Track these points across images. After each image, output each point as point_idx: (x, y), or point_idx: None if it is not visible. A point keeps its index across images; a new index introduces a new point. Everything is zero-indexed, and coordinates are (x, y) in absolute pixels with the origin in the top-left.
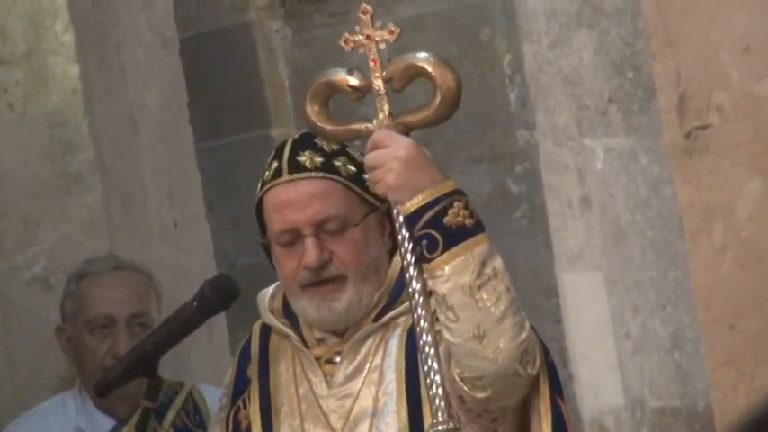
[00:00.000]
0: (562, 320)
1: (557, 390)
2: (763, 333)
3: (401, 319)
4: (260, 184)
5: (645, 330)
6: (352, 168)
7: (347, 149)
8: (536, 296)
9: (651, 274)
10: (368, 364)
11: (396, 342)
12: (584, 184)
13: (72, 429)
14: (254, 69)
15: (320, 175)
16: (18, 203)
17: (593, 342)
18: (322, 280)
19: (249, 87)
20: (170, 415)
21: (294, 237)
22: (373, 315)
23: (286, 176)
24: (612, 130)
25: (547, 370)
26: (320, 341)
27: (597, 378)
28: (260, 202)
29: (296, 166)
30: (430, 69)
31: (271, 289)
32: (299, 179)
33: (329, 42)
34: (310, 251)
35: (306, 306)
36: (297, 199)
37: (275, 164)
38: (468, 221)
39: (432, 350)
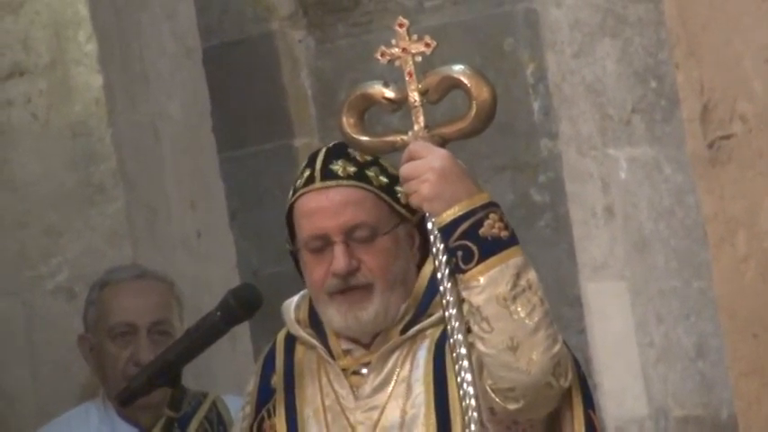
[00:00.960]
0: (585, 330)
1: (589, 404)
2: None
3: (428, 332)
4: (291, 191)
5: (668, 340)
6: (384, 179)
7: (380, 161)
8: (559, 305)
9: (675, 284)
10: (395, 376)
11: (424, 354)
12: (608, 193)
13: None
14: (276, 79)
15: (352, 183)
16: (41, 213)
17: (616, 351)
18: (349, 288)
19: (272, 97)
20: (193, 424)
21: (324, 243)
22: (400, 327)
23: (318, 183)
24: (636, 139)
25: (579, 383)
26: (347, 352)
27: (621, 387)
28: (291, 209)
29: (328, 174)
30: (466, 81)
31: (295, 299)
32: (331, 187)
33: (352, 52)
34: (339, 258)
35: (333, 314)
36: (328, 206)
37: (308, 171)
38: (504, 233)
39: (466, 362)
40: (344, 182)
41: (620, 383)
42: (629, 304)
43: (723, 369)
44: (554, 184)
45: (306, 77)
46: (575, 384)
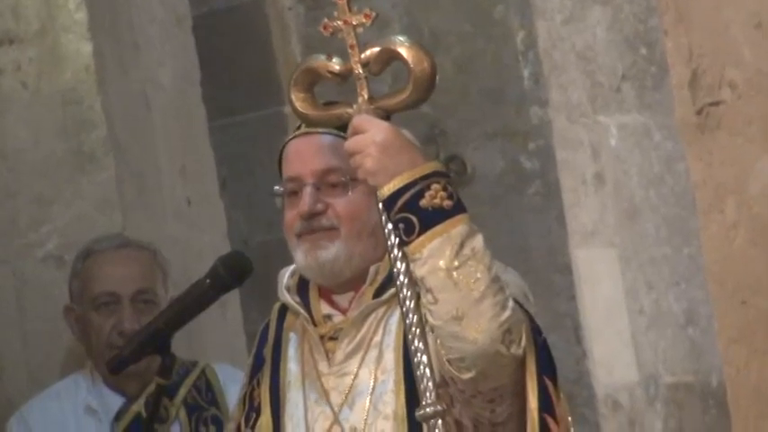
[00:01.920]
0: (576, 297)
1: (545, 369)
2: None
3: None
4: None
5: (659, 306)
6: None
7: None
8: (550, 273)
9: (665, 251)
10: (367, 342)
11: (396, 320)
12: (598, 160)
13: (83, 409)
14: (266, 46)
15: (334, 131)
16: (31, 181)
17: (607, 318)
18: (314, 229)
19: (262, 64)
20: (181, 392)
21: (298, 186)
22: (373, 290)
23: (303, 129)
24: (626, 106)
25: (535, 350)
26: (327, 318)
27: (611, 354)
28: (280, 158)
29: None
30: (403, 52)
31: (291, 267)
32: (314, 133)
33: None
34: (304, 199)
35: (298, 255)
36: (306, 149)
37: (299, 125)
38: (447, 203)
39: (417, 330)
40: (327, 129)
41: (611, 350)
42: (619, 271)
43: (713, 336)
44: (544, 151)
45: (296, 44)
46: (529, 351)
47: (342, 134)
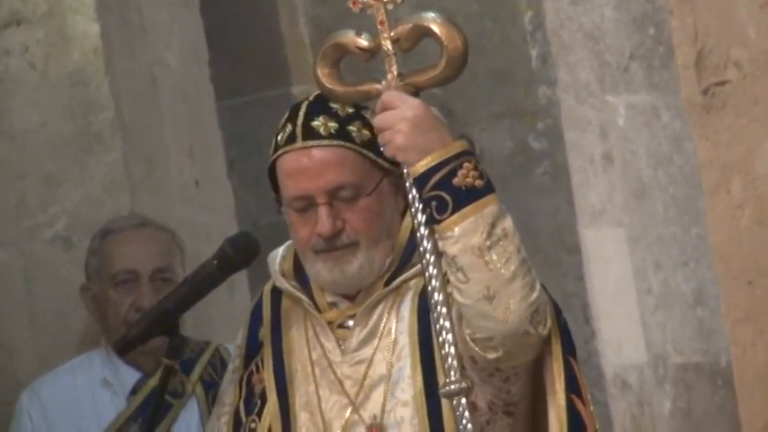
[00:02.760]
0: (584, 277)
1: (569, 350)
2: None
3: (412, 282)
4: (273, 145)
5: (667, 286)
6: (367, 133)
7: (362, 113)
8: (558, 252)
9: (673, 230)
10: (381, 329)
11: (408, 306)
12: (607, 140)
13: (98, 382)
14: (274, 27)
15: (334, 142)
16: (39, 163)
17: (615, 298)
18: (335, 248)
19: (270, 45)
20: (197, 369)
21: (307, 203)
22: (384, 279)
23: (300, 143)
24: (634, 86)
25: (559, 330)
26: (332, 305)
27: (620, 334)
28: (273, 165)
29: (310, 132)
30: (436, 29)
31: (280, 251)
32: (313, 146)
33: None
34: (323, 221)
35: (319, 270)
36: (310, 166)
37: (289, 127)
38: (478, 182)
39: (444, 309)
40: (326, 141)
41: (619, 330)
42: (628, 251)
43: (721, 316)
44: (552, 131)
45: (304, 25)
46: (554, 331)
47: (344, 143)
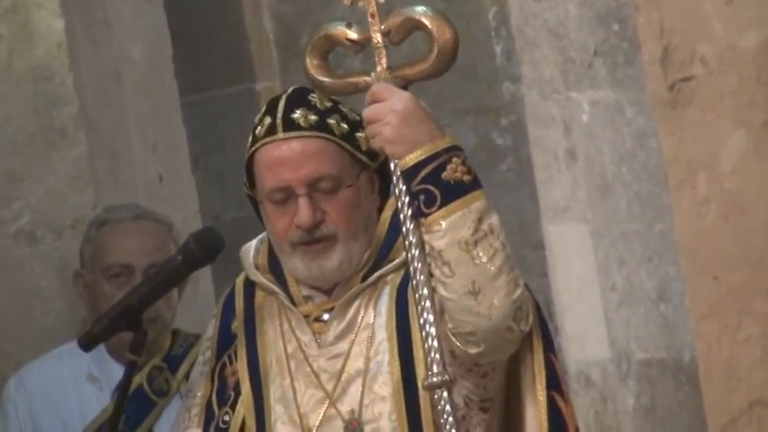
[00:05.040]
0: (548, 273)
1: (549, 346)
2: (747, 285)
3: (389, 277)
4: (251, 139)
5: (631, 283)
6: (345, 126)
7: (340, 107)
8: (522, 249)
9: (637, 227)
10: (358, 323)
11: (386, 300)
12: (570, 136)
13: (84, 376)
14: (238, 23)
15: (314, 134)
16: (3, 158)
17: (578, 294)
18: (313, 239)
19: (234, 41)
20: (184, 367)
21: (287, 195)
22: (362, 274)
23: (280, 134)
24: (598, 82)
25: (539, 327)
26: (307, 298)
27: (583, 330)
28: (251, 158)
29: (290, 124)
30: (427, 22)
31: (254, 243)
32: (293, 137)
33: None
34: (303, 211)
35: (296, 263)
36: (290, 157)
37: (268, 120)
38: (466, 177)
39: (428, 303)
40: (306, 132)
41: (583, 327)
42: (592, 247)
43: (685, 312)
44: (516, 127)
45: (267, 21)
46: (535, 328)
47: (324, 135)
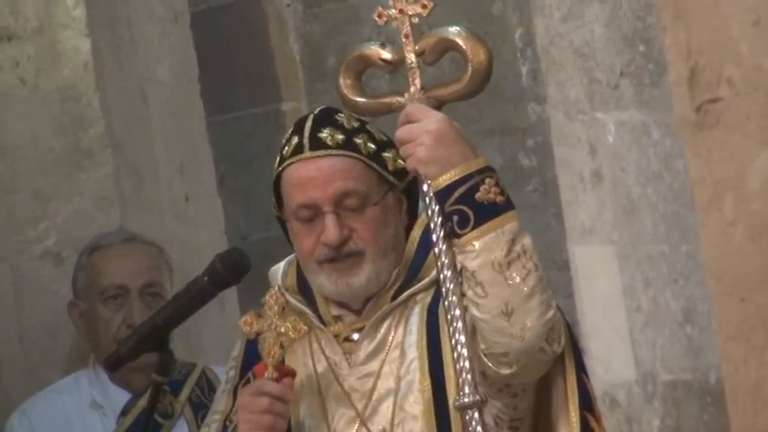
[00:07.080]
0: (573, 294)
1: (581, 367)
2: None
3: (419, 296)
4: (278, 159)
5: (656, 304)
6: (372, 146)
7: (367, 127)
8: (548, 270)
9: (663, 248)
10: (389, 342)
11: (416, 320)
12: (596, 157)
13: (87, 404)
14: (264, 43)
15: (341, 152)
16: (29, 178)
17: (604, 316)
18: (340, 256)
19: (260, 61)
20: (185, 391)
21: (314, 213)
22: (391, 293)
23: (307, 153)
24: (624, 103)
25: (571, 347)
26: (337, 318)
27: (608, 352)
28: (278, 177)
29: (317, 143)
30: (461, 43)
31: (282, 265)
32: (320, 156)
33: (340, 16)
34: (330, 228)
35: (323, 281)
36: (318, 175)
37: (296, 139)
38: (500, 198)
39: (460, 324)
40: (333, 151)
41: (608, 348)
42: (617, 268)
43: (711, 333)
44: (542, 148)
45: (294, 41)
46: (567, 349)
47: (351, 154)
